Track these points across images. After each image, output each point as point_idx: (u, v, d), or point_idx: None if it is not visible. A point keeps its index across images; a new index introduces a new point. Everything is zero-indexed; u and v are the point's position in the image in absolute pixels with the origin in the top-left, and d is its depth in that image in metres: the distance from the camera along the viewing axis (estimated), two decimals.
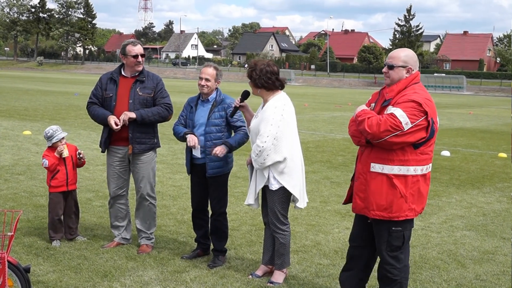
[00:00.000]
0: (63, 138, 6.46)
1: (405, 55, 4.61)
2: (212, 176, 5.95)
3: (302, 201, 5.56)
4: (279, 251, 5.60)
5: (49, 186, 6.54)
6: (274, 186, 5.41)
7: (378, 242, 4.68)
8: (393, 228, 4.57)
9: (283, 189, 5.42)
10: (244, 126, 5.87)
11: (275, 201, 5.47)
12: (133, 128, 6.16)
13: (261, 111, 5.45)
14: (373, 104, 4.75)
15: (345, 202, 4.99)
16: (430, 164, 4.64)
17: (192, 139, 5.86)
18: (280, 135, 5.30)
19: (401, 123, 4.33)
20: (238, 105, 5.65)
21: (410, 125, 4.35)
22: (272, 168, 5.36)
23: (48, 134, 6.45)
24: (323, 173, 11.58)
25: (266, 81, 5.40)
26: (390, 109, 4.42)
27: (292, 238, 7.05)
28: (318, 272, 5.94)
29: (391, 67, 4.59)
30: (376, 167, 4.53)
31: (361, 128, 4.49)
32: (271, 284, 5.50)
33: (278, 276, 5.59)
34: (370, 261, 4.93)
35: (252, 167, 5.58)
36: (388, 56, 4.69)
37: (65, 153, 6.41)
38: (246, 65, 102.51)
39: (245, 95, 5.65)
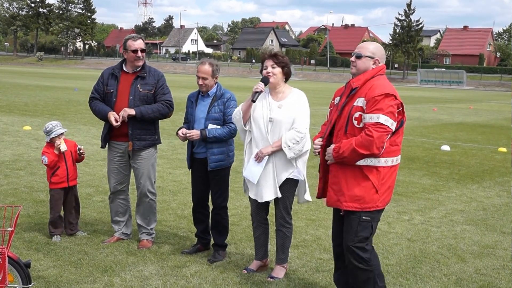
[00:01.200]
0: (61, 134, 6.45)
1: (374, 47, 4.71)
2: (214, 170, 5.94)
3: (308, 193, 5.59)
4: (285, 245, 5.59)
5: (49, 183, 6.54)
6: (299, 177, 5.40)
7: (346, 233, 4.67)
8: (363, 218, 4.59)
9: (297, 181, 5.45)
10: (233, 123, 5.80)
11: (290, 193, 5.46)
12: (132, 125, 6.14)
13: (283, 101, 5.40)
14: (337, 98, 4.82)
15: (319, 196, 4.95)
16: (400, 156, 4.68)
17: (181, 132, 5.95)
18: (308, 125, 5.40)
19: (388, 127, 4.41)
20: (263, 90, 5.50)
21: (394, 124, 4.46)
22: (299, 158, 5.37)
23: (47, 129, 6.45)
24: None
25: (290, 76, 5.56)
26: (372, 117, 4.41)
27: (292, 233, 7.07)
28: (318, 267, 5.94)
29: (358, 57, 4.67)
30: None
31: (354, 156, 4.45)
32: (271, 279, 5.50)
33: (279, 271, 5.59)
34: None
35: (258, 161, 5.41)
36: (358, 46, 4.78)
37: (63, 147, 6.39)
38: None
39: (266, 81, 5.49)
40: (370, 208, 4.57)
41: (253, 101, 5.41)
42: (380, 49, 4.74)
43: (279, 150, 5.29)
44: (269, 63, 5.42)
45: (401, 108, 4.53)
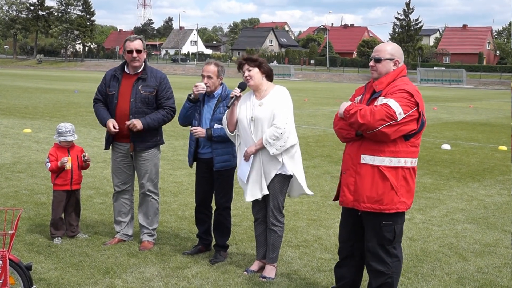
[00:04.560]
0: (70, 141, 6.46)
1: (392, 48, 4.64)
2: (219, 170, 5.94)
3: (307, 187, 5.58)
4: (275, 245, 5.59)
5: (53, 184, 6.55)
6: (288, 171, 5.40)
7: (368, 235, 4.64)
8: (383, 222, 4.54)
9: (290, 177, 5.45)
10: None
11: (280, 191, 5.46)
12: None
13: (264, 99, 5.44)
14: (358, 97, 4.75)
15: (336, 199, 4.90)
16: (417, 158, 4.63)
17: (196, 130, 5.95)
18: (291, 119, 5.40)
19: (395, 112, 4.32)
20: (239, 95, 5.56)
21: (403, 115, 4.35)
22: (286, 154, 5.38)
23: (59, 131, 6.45)
24: (324, 168, 11.58)
25: (272, 73, 5.59)
26: (383, 100, 4.41)
27: (293, 233, 7.07)
28: (320, 267, 5.94)
29: (378, 60, 4.59)
30: (366, 159, 4.51)
31: (353, 120, 4.44)
32: (263, 279, 5.50)
33: (270, 271, 5.59)
34: (363, 255, 4.90)
35: (244, 160, 5.51)
36: (374, 50, 4.70)
37: (67, 166, 6.40)
38: None
39: (244, 86, 5.65)
40: (390, 210, 4.49)
41: (227, 106, 5.56)
42: (398, 48, 4.67)
43: (264, 147, 5.34)
44: (245, 67, 5.52)
45: (416, 108, 4.40)
